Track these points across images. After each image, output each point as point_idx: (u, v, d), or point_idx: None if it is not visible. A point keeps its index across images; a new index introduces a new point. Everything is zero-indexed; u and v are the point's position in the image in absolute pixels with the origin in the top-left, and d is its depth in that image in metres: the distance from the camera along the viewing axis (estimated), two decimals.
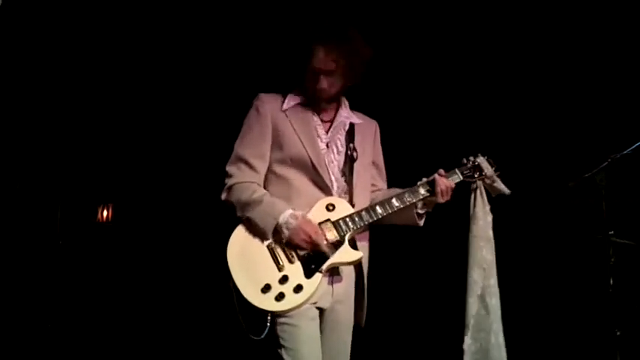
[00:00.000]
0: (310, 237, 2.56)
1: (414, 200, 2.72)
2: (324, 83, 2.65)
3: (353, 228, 2.64)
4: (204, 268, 3.90)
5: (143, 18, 4.43)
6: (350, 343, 2.75)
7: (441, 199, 2.71)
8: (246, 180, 2.66)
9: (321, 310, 2.67)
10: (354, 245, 2.67)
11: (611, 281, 3.09)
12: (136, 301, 4.53)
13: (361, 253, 2.65)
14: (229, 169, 2.69)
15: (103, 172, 4.73)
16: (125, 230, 4.75)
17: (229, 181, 2.67)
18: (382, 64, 4.02)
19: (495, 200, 2.84)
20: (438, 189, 2.69)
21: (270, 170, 2.70)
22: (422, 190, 2.73)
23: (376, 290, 2.79)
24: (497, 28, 4.17)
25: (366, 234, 2.78)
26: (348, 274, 2.70)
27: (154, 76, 4.58)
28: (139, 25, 4.47)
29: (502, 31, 4.16)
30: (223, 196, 2.68)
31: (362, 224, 2.66)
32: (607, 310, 3.07)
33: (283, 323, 2.55)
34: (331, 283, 2.65)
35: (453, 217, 3.00)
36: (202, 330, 4.36)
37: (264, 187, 2.68)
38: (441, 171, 2.74)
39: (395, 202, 2.69)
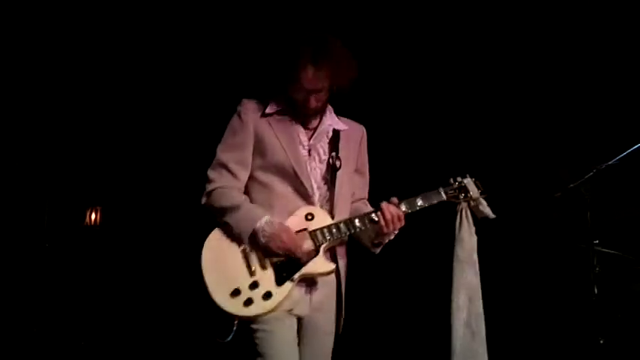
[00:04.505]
0: (286, 244, 2.52)
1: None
2: (312, 102, 2.63)
3: (329, 239, 2.60)
4: (186, 271, 3.88)
5: (135, 28, 4.44)
6: (330, 351, 2.73)
7: (385, 229, 2.61)
8: (226, 185, 2.64)
9: (300, 319, 2.65)
10: (333, 256, 2.66)
11: (596, 290, 3.14)
12: (124, 305, 4.53)
13: (334, 265, 2.62)
14: (210, 174, 2.66)
15: (91, 175, 4.72)
16: (113, 233, 4.73)
17: (209, 186, 2.64)
18: (379, 74, 4.09)
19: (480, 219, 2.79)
20: (382, 222, 2.59)
21: (252, 177, 2.68)
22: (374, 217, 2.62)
23: (360, 309, 2.78)
24: (481, 44, 4.22)
25: (344, 247, 2.73)
26: (328, 283, 2.67)
27: (142, 81, 4.59)
28: (129, 32, 4.48)
29: (488, 46, 4.21)
30: (203, 201, 2.65)
31: (339, 236, 2.61)
32: (591, 318, 3.12)
33: (258, 329, 2.54)
34: (309, 292, 2.64)
35: (439, 238, 2.95)
36: (191, 332, 4.36)
37: (247, 194, 2.66)
38: (394, 199, 2.66)
39: (374, 217, 2.62)
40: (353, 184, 2.80)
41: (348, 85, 2.65)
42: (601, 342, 3.08)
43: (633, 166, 3.22)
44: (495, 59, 4.21)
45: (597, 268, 3.17)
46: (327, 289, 2.68)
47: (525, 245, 4.07)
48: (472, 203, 2.76)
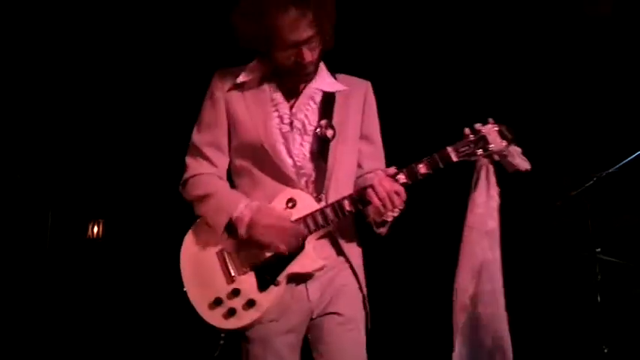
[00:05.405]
0: (272, 227, 2.14)
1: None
2: (308, 55, 2.16)
3: (313, 229, 2.16)
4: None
5: (136, 29, 4.45)
6: (361, 342, 2.25)
7: (382, 209, 2.12)
8: (201, 172, 2.30)
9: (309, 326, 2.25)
10: (338, 249, 2.25)
11: (598, 298, 3.15)
12: (127, 318, 4.52)
13: (322, 263, 2.19)
14: (187, 160, 2.34)
15: (93, 187, 4.72)
16: (115, 246, 4.73)
17: (185, 175, 2.33)
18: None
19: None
20: (375, 201, 2.10)
21: (232, 161, 2.32)
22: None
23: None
24: (483, 48, 4.23)
25: (352, 231, 2.31)
26: (329, 267, 2.24)
27: (144, 92, 4.60)
28: (130, 35, 4.49)
29: (490, 47, 4.22)
30: (180, 190, 2.35)
31: (326, 224, 2.17)
32: (594, 326, 3.12)
33: (252, 354, 2.21)
34: (305, 287, 2.22)
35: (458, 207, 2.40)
36: (194, 346, 4.35)
37: (233, 182, 2.33)
38: (391, 170, 2.17)
39: (365, 197, 2.16)
40: (359, 155, 2.34)
41: (332, 30, 2.21)
42: (605, 350, 3.08)
43: (633, 174, 3.24)
44: (496, 59, 4.21)
45: (599, 276, 3.19)
46: (329, 274, 2.25)
47: (528, 254, 4.07)
48: (496, 157, 2.18)
